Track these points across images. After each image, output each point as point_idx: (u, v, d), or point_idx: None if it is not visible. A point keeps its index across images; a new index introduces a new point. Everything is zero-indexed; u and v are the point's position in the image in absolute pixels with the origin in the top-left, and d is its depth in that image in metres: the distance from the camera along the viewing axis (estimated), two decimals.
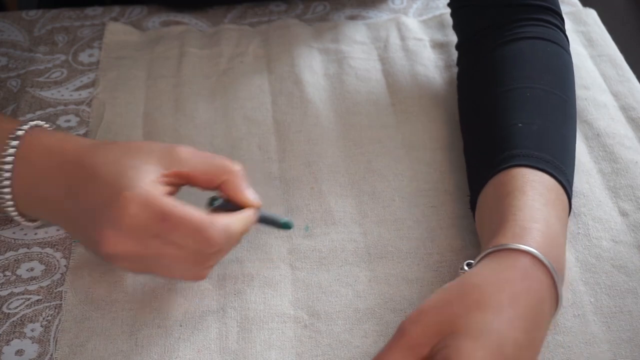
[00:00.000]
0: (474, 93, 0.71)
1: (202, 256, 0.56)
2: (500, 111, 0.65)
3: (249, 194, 0.58)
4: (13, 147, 0.58)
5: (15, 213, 0.60)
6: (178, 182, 0.58)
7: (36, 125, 0.60)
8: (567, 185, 0.60)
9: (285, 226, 0.61)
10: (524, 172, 0.59)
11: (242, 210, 0.58)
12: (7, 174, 0.58)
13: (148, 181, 0.55)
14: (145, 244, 0.54)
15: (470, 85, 0.72)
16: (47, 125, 0.61)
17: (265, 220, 0.60)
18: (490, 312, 0.50)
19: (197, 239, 0.54)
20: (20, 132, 0.59)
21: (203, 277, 0.58)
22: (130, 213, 0.53)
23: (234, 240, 0.57)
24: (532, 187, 0.58)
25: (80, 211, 0.56)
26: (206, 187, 0.58)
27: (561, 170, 0.60)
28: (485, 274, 0.53)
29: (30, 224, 0.62)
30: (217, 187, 0.58)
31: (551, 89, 0.66)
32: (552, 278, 0.53)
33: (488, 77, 0.69)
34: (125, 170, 0.55)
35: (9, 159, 0.58)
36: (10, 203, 0.59)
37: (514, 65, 0.68)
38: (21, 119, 0.76)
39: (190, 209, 0.54)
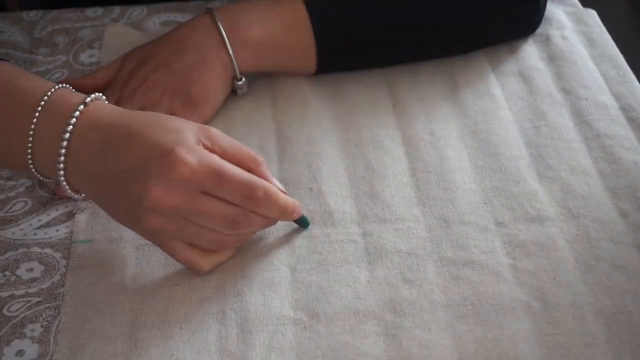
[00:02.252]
0: None
1: (240, 216, 0.59)
2: None
3: (277, 183, 0.62)
4: (77, 112, 0.60)
5: (63, 178, 0.61)
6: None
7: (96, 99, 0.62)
8: None
9: (305, 223, 0.66)
10: None
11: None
12: (65, 143, 0.59)
13: (193, 142, 0.58)
14: (193, 198, 0.57)
15: None
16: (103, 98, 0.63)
17: None
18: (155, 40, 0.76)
19: (244, 192, 0.58)
20: (87, 101, 0.61)
21: (232, 243, 0.62)
22: (183, 168, 0.56)
23: (272, 206, 0.60)
24: None
25: (120, 170, 0.58)
26: None
27: None
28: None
29: (74, 194, 0.63)
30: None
31: None
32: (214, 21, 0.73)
33: None
34: (169, 131, 0.58)
35: (71, 124, 0.59)
36: (62, 166, 0.60)
37: None
38: None
39: (240, 169, 0.59)
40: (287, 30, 0.75)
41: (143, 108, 0.70)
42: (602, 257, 0.64)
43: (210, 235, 0.59)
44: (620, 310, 0.60)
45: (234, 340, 0.58)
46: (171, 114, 0.69)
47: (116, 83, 0.74)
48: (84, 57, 0.84)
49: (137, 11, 0.90)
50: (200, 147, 0.58)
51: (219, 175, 0.57)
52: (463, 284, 0.62)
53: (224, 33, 0.73)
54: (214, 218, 0.58)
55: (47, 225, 0.67)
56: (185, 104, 0.72)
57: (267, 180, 0.61)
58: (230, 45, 0.73)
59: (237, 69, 0.74)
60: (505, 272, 0.63)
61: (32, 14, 0.90)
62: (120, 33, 0.86)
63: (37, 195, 0.69)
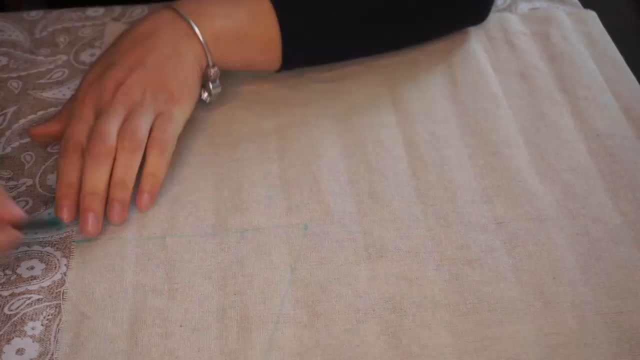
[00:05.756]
0: None
1: None
2: None
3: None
4: None
5: None
6: None
7: None
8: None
9: (52, 223, 0.63)
10: None
11: None
12: None
13: None
14: None
15: None
16: None
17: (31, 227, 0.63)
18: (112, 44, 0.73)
19: None
20: None
21: None
22: None
23: None
24: None
25: None
26: None
27: None
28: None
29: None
30: None
31: None
32: (179, 14, 0.72)
33: None
34: None
35: None
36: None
37: None
38: (21, 120, 0.76)
39: None
40: (253, 23, 0.73)
41: (127, 108, 0.68)
42: (602, 256, 0.64)
43: None
44: (620, 310, 0.60)
45: (234, 338, 0.59)
46: (157, 113, 0.68)
47: (86, 93, 0.70)
48: (85, 56, 0.84)
49: (138, 10, 0.90)
50: None
51: None
52: (463, 283, 0.62)
53: (192, 24, 0.71)
54: None
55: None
56: (168, 100, 0.69)
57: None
58: (202, 34, 0.71)
59: (210, 58, 0.72)
60: (506, 271, 0.63)
61: (33, 13, 0.90)
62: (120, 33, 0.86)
63: (38, 195, 0.69)
